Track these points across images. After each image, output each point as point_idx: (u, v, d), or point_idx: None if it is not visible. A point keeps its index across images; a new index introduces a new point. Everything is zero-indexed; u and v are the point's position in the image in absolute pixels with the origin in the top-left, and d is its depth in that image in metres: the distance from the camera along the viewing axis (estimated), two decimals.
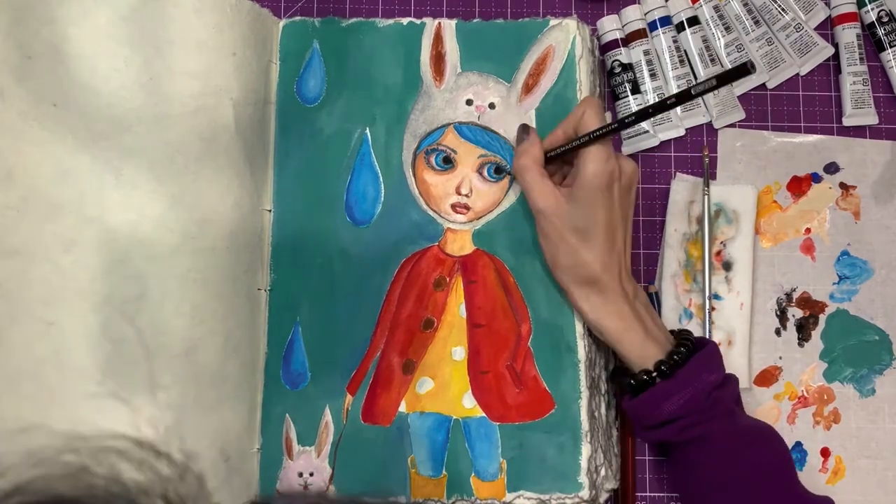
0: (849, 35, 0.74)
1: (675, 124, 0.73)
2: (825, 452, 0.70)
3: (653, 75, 0.73)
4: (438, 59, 0.69)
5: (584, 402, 0.63)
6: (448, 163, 0.67)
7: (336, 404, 0.65)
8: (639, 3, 0.75)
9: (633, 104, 0.73)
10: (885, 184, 0.73)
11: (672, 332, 0.65)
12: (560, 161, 0.64)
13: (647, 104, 0.66)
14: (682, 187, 0.72)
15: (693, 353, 0.61)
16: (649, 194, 0.73)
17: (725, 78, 0.56)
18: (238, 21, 0.64)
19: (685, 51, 0.74)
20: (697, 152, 0.74)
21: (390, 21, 0.69)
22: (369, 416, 0.65)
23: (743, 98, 0.75)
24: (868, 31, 0.75)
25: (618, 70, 0.73)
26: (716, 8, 0.75)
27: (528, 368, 0.64)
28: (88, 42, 0.61)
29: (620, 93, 0.73)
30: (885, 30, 0.74)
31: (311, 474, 0.64)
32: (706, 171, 0.71)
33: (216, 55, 0.63)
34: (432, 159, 0.67)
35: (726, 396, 0.61)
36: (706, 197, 0.71)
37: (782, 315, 0.72)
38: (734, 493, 0.60)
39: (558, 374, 0.64)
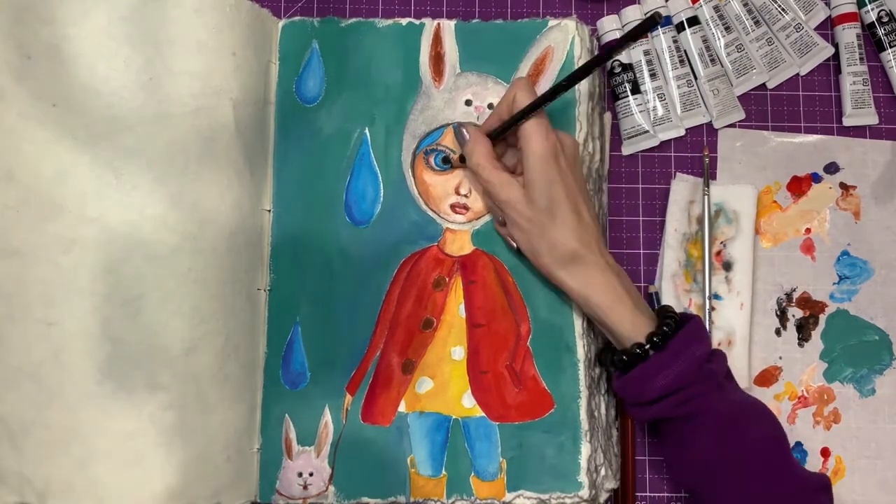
0: (849, 35, 0.74)
1: (674, 124, 0.73)
2: (825, 452, 0.70)
3: (653, 75, 0.73)
4: (438, 60, 0.69)
5: (583, 402, 0.63)
6: (447, 163, 0.67)
7: (336, 404, 0.65)
8: (639, 3, 0.75)
9: (633, 104, 0.73)
10: (885, 184, 0.73)
11: (654, 309, 0.64)
12: (502, 146, 0.65)
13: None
14: (682, 187, 0.72)
15: (681, 327, 0.61)
16: (649, 194, 0.73)
17: (635, 34, 0.57)
18: (238, 21, 0.65)
19: (685, 51, 0.74)
20: (697, 152, 0.74)
21: (389, 21, 0.69)
22: (369, 415, 0.65)
23: (743, 98, 0.75)
24: (868, 31, 0.75)
25: (618, 70, 0.73)
26: (716, 8, 0.75)
27: (528, 368, 0.64)
28: (88, 42, 0.61)
29: (620, 93, 0.73)
30: (885, 30, 0.74)
31: (311, 474, 0.64)
32: (706, 171, 0.71)
33: (216, 55, 0.63)
34: (431, 159, 0.67)
35: (717, 369, 0.61)
36: (706, 197, 0.71)
37: (782, 315, 0.72)
38: (728, 470, 0.60)
39: (557, 374, 0.64)
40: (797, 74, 0.75)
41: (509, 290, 0.65)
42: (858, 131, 0.74)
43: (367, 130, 0.68)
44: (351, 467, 0.64)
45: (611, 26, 0.74)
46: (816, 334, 0.72)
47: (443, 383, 0.65)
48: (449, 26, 0.69)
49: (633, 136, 0.73)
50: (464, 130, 0.65)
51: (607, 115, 0.73)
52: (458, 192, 0.67)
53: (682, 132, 0.74)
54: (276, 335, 0.66)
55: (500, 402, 0.64)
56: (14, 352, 0.60)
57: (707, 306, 0.70)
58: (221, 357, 0.62)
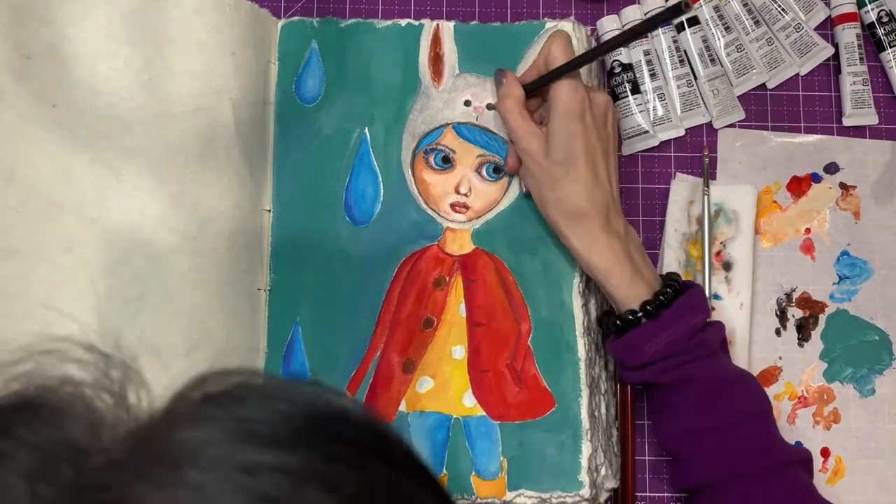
0: (849, 35, 0.74)
1: (674, 124, 0.73)
2: (825, 452, 0.70)
3: (653, 75, 0.73)
4: (437, 61, 0.69)
5: (584, 401, 0.63)
6: (447, 162, 0.67)
7: None
8: (639, 3, 0.75)
9: (633, 104, 0.73)
10: (885, 184, 0.73)
11: (661, 275, 0.65)
12: (537, 101, 0.65)
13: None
14: (682, 187, 0.72)
15: (679, 295, 0.61)
16: (649, 194, 0.73)
17: (667, 16, 0.59)
18: (237, 21, 0.65)
19: (685, 51, 0.74)
20: (697, 152, 0.74)
21: (389, 22, 0.70)
22: None
23: (743, 98, 0.75)
24: (868, 31, 0.75)
25: (618, 70, 0.73)
26: (716, 8, 0.75)
27: (528, 367, 0.64)
28: (88, 42, 0.61)
29: (620, 93, 0.73)
30: (885, 30, 0.74)
31: None
32: (706, 171, 0.71)
33: (216, 55, 0.63)
34: (431, 159, 0.67)
35: (711, 339, 0.62)
36: (706, 197, 0.71)
37: (782, 315, 0.72)
38: (711, 438, 0.61)
39: (558, 373, 0.64)
40: (797, 74, 0.75)
41: (510, 289, 0.65)
42: (858, 131, 0.74)
43: (366, 130, 0.68)
44: None
45: (611, 26, 0.74)
46: (816, 334, 0.72)
47: (443, 383, 0.64)
48: (448, 27, 0.69)
49: (632, 136, 0.73)
50: (498, 76, 0.65)
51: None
52: (458, 192, 0.67)
53: (681, 132, 0.74)
54: (276, 335, 0.66)
55: (500, 401, 0.64)
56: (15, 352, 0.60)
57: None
58: (222, 357, 0.62)
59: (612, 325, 0.62)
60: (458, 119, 0.68)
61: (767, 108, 0.75)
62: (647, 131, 0.73)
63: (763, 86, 0.75)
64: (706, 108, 0.74)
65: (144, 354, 0.60)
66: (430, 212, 0.67)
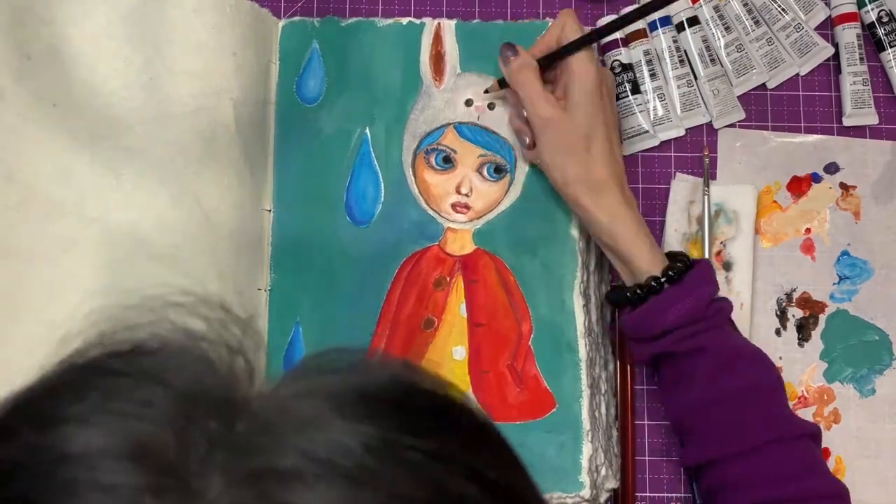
0: (849, 35, 0.74)
1: (675, 124, 0.73)
2: (825, 452, 0.70)
3: (653, 75, 0.73)
4: (438, 60, 0.69)
5: (585, 402, 0.63)
6: (448, 162, 0.67)
7: None
8: (639, 3, 0.75)
9: (633, 104, 0.73)
10: (885, 184, 0.73)
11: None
12: (543, 80, 0.65)
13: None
14: (682, 187, 0.72)
15: (691, 268, 0.62)
16: (649, 194, 0.73)
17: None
18: (238, 21, 0.65)
19: (685, 51, 0.74)
20: (697, 152, 0.74)
21: (390, 21, 0.69)
22: None
23: (743, 98, 0.75)
24: (868, 31, 0.75)
25: (618, 70, 0.73)
26: (716, 8, 0.75)
27: (529, 368, 0.64)
28: (88, 42, 0.61)
29: (620, 93, 0.73)
30: (885, 30, 0.74)
31: None
32: (706, 171, 0.71)
33: (216, 55, 0.63)
34: (432, 159, 0.67)
35: (727, 308, 0.63)
36: (706, 197, 0.71)
37: (782, 315, 0.72)
38: (723, 408, 0.61)
39: (559, 374, 0.64)
40: (797, 74, 0.75)
41: (511, 289, 0.65)
42: (858, 131, 0.74)
43: (367, 130, 0.68)
44: None
45: None
46: (816, 334, 0.72)
47: None
48: (449, 26, 0.69)
49: (632, 136, 0.73)
50: (507, 51, 0.64)
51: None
52: (458, 192, 0.67)
53: (682, 132, 0.74)
54: (277, 335, 0.66)
55: (501, 401, 0.64)
56: (15, 352, 0.60)
57: None
58: None
59: (632, 294, 0.62)
60: (460, 119, 0.68)
61: (767, 108, 0.75)
62: (647, 131, 0.73)
63: (763, 86, 0.75)
64: (706, 108, 0.74)
65: None
66: (430, 212, 0.67)
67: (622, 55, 0.73)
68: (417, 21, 0.69)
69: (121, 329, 0.30)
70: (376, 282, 0.66)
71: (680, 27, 0.74)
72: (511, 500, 0.30)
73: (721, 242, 0.72)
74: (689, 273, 0.62)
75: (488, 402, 0.64)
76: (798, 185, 0.73)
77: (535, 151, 0.65)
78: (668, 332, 0.61)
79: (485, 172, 0.67)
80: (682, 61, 0.74)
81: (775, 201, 0.73)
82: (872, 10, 0.75)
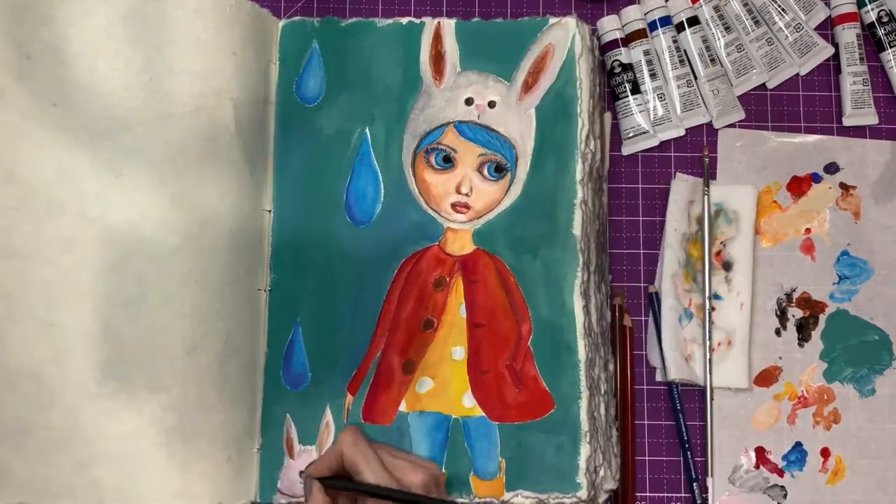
0: (849, 35, 0.74)
1: (674, 124, 0.73)
2: (825, 452, 0.70)
3: (653, 75, 0.73)
4: (438, 59, 0.69)
5: (584, 403, 0.63)
6: (448, 162, 0.67)
7: (337, 404, 0.65)
8: (639, 3, 0.75)
9: (633, 104, 0.73)
10: (885, 184, 0.73)
11: None
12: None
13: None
14: (682, 187, 0.72)
15: None
16: (649, 194, 0.73)
17: None
18: (238, 21, 0.65)
19: (685, 51, 0.74)
20: (697, 152, 0.74)
21: (389, 21, 0.69)
22: (370, 415, 0.65)
23: (743, 98, 0.75)
24: (868, 31, 0.75)
25: (618, 70, 0.73)
26: (716, 8, 0.75)
27: (528, 368, 0.64)
28: (88, 42, 0.61)
29: (620, 93, 0.73)
30: (885, 30, 0.74)
31: None
32: (706, 171, 0.71)
33: (216, 55, 0.63)
34: (432, 158, 0.67)
35: None
36: (706, 197, 0.71)
37: (782, 315, 0.72)
38: None
39: (558, 374, 0.64)
40: (797, 74, 0.75)
41: (511, 289, 0.65)
42: (858, 131, 0.74)
43: (367, 130, 0.68)
44: None
45: (611, 26, 0.74)
46: (816, 334, 0.72)
47: (443, 383, 0.65)
48: (449, 25, 0.69)
49: (633, 136, 0.73)
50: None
51: (607, 115, 0.73)
52: (458, 191, 0.67)
53: (682, 132, 0.74)
54: (276, 335, 0.66)
55: (500, 402, 0.64)
56: (15, 352, 0.60)
57: (707, 306, 0.70)
58: (222, 357, 0.62)
59: None
60: (460, 118, 0.68)
61: (767, 108, 0.75)
62: (647, 131, 0.73)
63: (763, 86, 0.75)
64: (706, 108, 0.74)
65: (145, 354, 0.61)
66: (430, 212, 0.67)
67: (622, 55, 0.73)
68: (417, 21, 0.69)
69: None
70: (376, 282, 0.66)
71: (680, 27, 0.74)
72: None
73: (721, 242, 0.72)
74: None
75: (488, 402, 0.64)
76: (798, 185, 0.73)
77: None
78: None
79: (485, 172, 0.67)
80: (682, 61, 0.74)
81: (775, 201, 0.73)
82: (872, 10, 0.75)
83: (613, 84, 0.74)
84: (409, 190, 0.67)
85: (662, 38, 0.74)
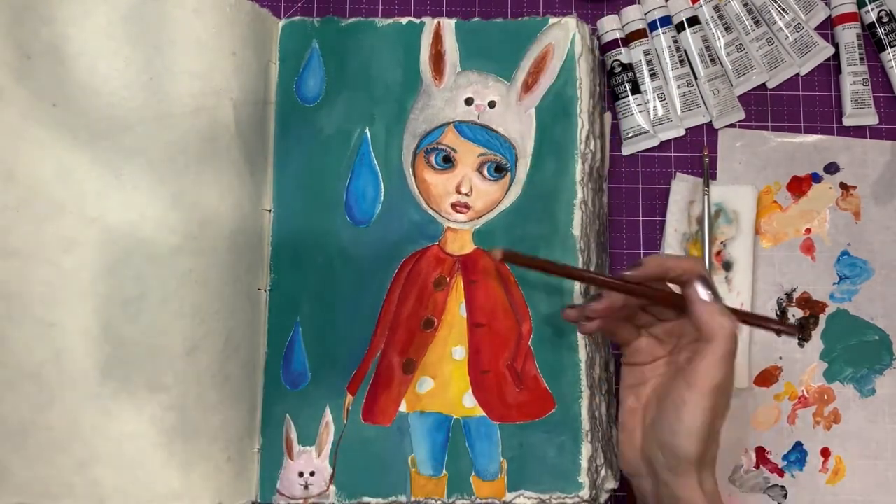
0: (849, 35, 0.74)
1: (675, 124, 0.73)
2: (825, 452, 0.70)
3: (653, 75, 0.74)
4: (438, 59, 0.69)
5: (584, 402, 0.63)
6: (448, 162, 0.67)
7: (336, 404, 0.65)
8: (639, 3, 0.75)
9: (633, 104, 0.73)
10: (885, 184, 0.73)
11: None
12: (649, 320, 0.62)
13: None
14: (682, 187, 0.72)
15: None
16: (649, 194, 0.73)
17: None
18: (238, 21, 0.65)
19: (685, 51, 0.74)
20: (697, 152, 0.74)
21: (389, 20, 0.69)
22: (370, 415, 0.65)
23: (743, 98, 0.75)
24: (868, 31, 0.75)
25: (618, 70, 0.73)
26: (716, 8, 0.75)
27: (529, 368, 0.64)
28: (88, 42, 0.61)
29: (620, 93, 0.73)
30: (885, 30, 0.74)
31: (312, 474, 0.64)
32: (706, 171, 0.72)
33: (216, 55, 0.63)
34: (432, 158, 0.67)
35: None
36: (706, 197, 0.71)
37: (782, 315, 0.72)
38: None
39: (559, 374, 0.64)
40: (797, 74, 0.75)
41: (511, 289, 0.65)
42: (858, 131, 0.74)
43: (367, 130, 0.68)
44: (352, 467, 0.64)
45: (611, 26, 0.74)
46: (816, 334, 0.72)
47: (444, 383, 0.64)
48: (449, 25, 0.69)
49: (633, 136, 0.73)
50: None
51: (607, 115, 0.73)
52: (458, 191, 0.67)
53: (682, 132, 0.74)
54: (276, 335, 0.66)
55: (500, 401, 0.64)
56: (14, 352, 0.60)
57: None
58: (222, 357, 0.62)
59: None
60: (460, 117, 0.68)
61: (767, 108, 0.75)
62: (647, 131, 0.73)
63: (763, 86, 0.75)
64: (706, 108, 0.74)
65: (145, 354, 0.60)
66: (430, 212, 0.67)
67: (622, 55, 0.73)
68: (417, 20, 0.69)
69: None
70: (376, 282, 0.66)
71: (680, 27, 0.74)
72: None
73: (721, 242, 0.72)
74: None
75: (488, 402, 0.64)
76: (798, 185, 0.73)
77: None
78: None
79: (485, 172, 0.67)
80: (682, 61, 0.74)
81: (775, 201, 0.73)
82: (872, 10, 0.75)
83: (613, 84, 0.74)
84: (409, 190, 0.67)
85: (662, 38, 0.74)
